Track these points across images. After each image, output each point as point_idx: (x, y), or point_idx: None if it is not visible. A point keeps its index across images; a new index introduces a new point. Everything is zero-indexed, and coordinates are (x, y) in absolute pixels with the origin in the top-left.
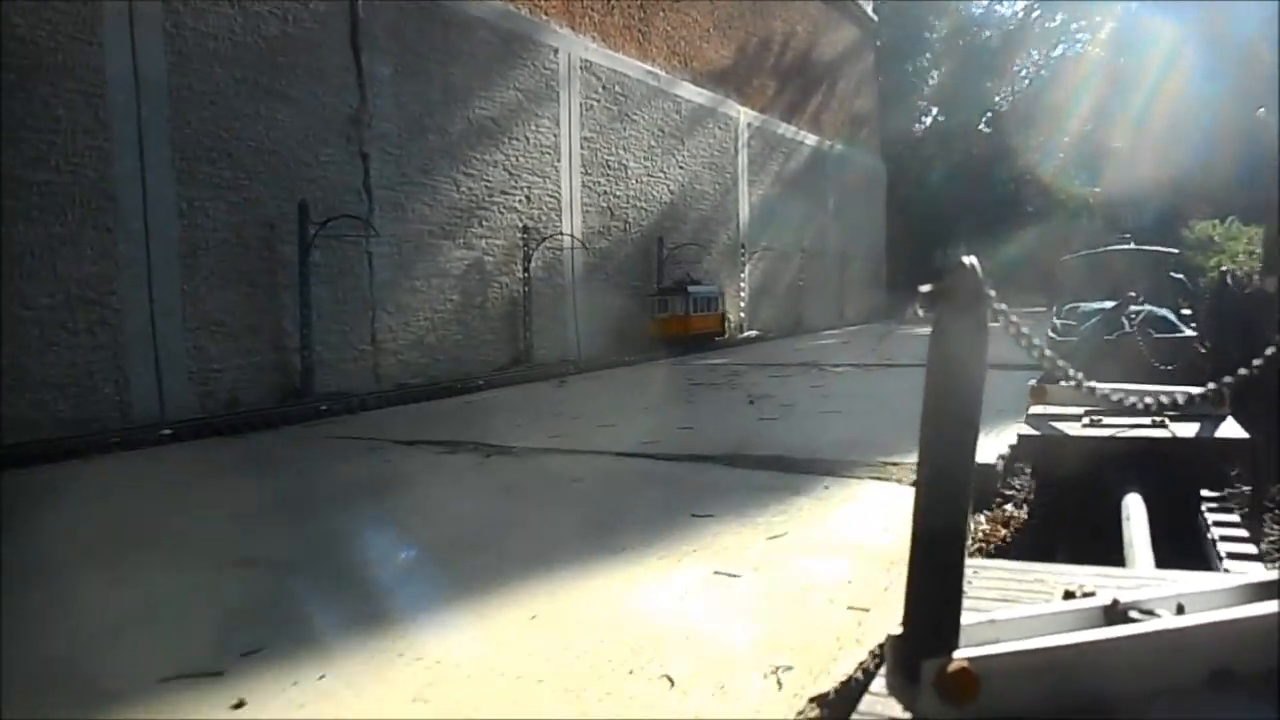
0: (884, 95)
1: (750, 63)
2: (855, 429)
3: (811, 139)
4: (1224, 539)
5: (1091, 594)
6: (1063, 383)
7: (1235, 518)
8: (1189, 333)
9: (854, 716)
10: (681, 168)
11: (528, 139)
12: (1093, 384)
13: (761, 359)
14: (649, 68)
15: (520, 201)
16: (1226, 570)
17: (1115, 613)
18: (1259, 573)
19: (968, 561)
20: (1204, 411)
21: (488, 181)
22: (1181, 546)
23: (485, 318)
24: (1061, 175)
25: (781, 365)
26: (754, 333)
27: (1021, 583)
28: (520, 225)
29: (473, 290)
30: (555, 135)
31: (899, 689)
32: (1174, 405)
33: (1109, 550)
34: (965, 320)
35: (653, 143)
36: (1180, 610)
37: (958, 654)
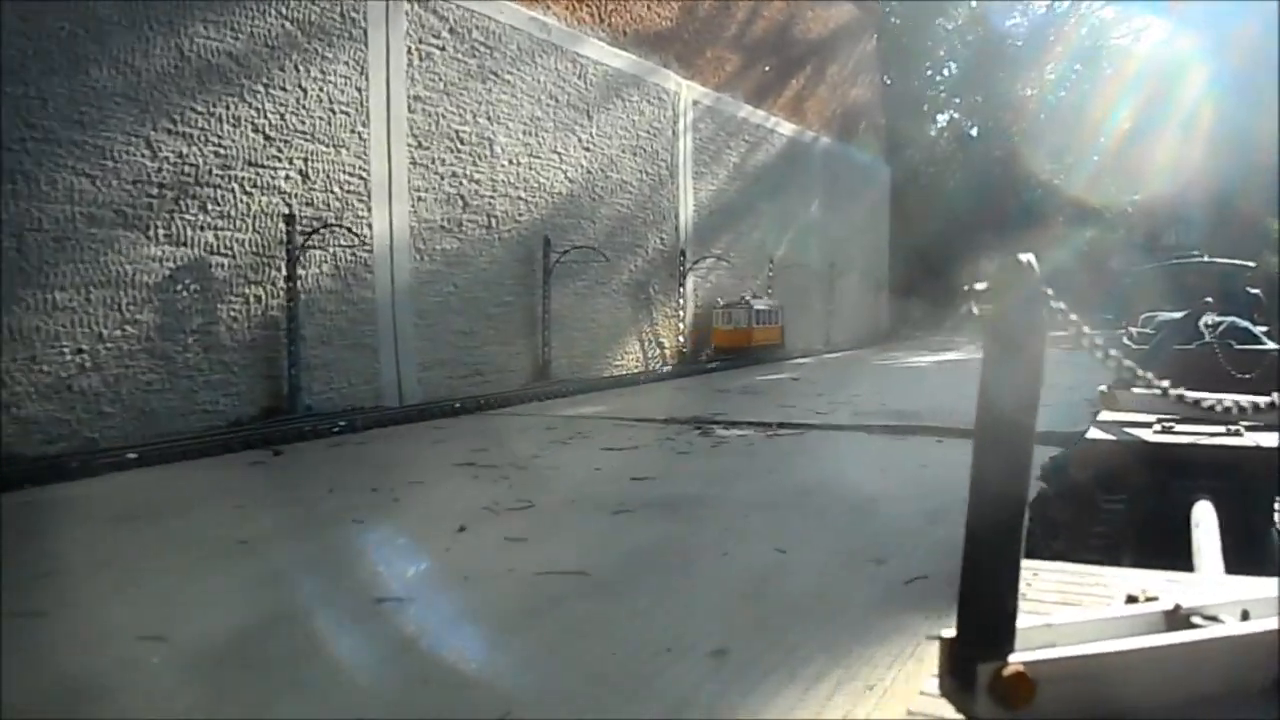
0: (893, 89)
1: (702, 28)
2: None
3: (788, 128)
4: None
5: (1154, 599)
6: (1135, 389)
7: None
8: (1270, 345)
9: (906, 716)
10: (588, 149)
11: (304, 90)
12: (1174, 388)
13: (640, 409)
14: (534, 14)
15: (287, 178)
16: None
17: (1177, 618)
18: None
19: (1028, 563)
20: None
21: (219, 146)
22: (1253, 557)
23: (216, 346)
24: (1096, 183)
25: (646, 424)
26: (694, 362)
27: (1083, 586)
28: (283, 212)
29: (185, 306)
30: (360, 89)
31: (952, 692)
32: (1254, 413)
33: (1177, 559)
34: (1022, 318)
35: (539, 114)
36: (1245, 617)
37: (1013, 657)
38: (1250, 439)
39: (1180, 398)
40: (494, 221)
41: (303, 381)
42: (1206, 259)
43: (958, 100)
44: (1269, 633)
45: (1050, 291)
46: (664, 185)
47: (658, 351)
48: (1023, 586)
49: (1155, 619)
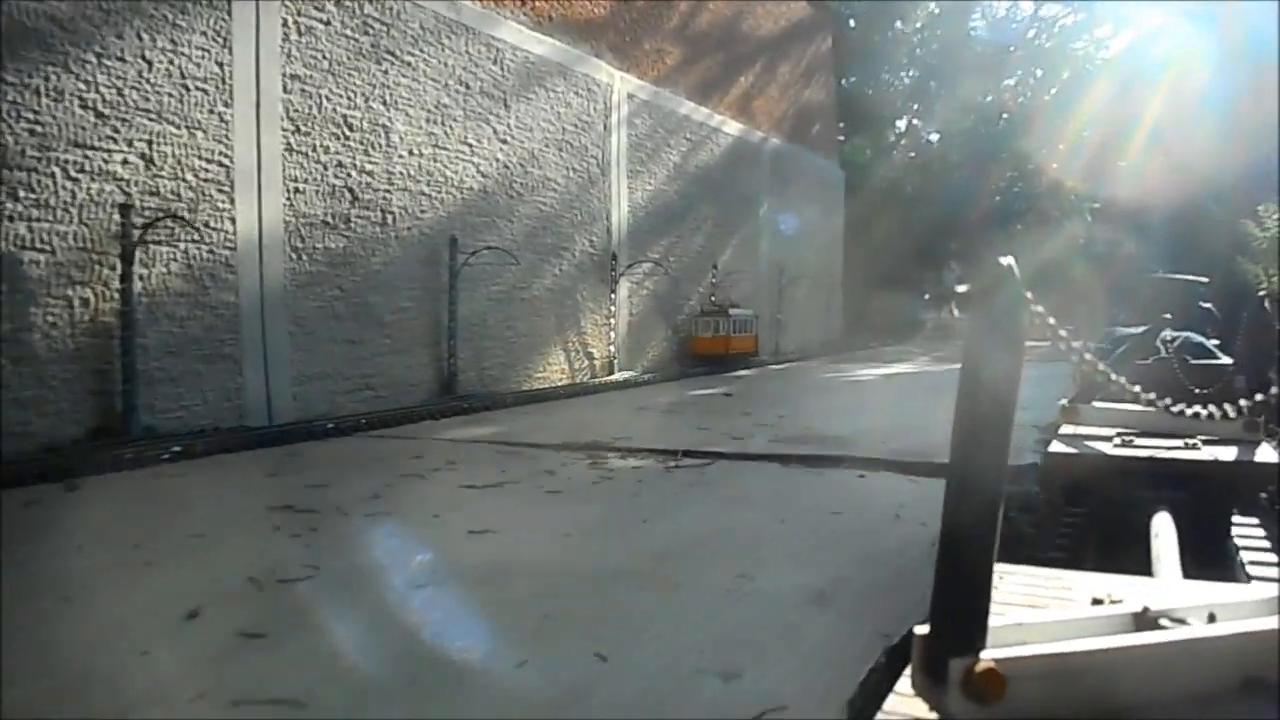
0: (850, 93)
1: (640, 18)
2: None
3: (734, 127)
4: (1254, 562)
5: (1119, 601)
6: (1095, 403)
7: (1265, 541)
8: (1225, 359)
9: (879, 715)
10: (505, 142)
11: (149, 62)
12: (1144, 395)
13: (540, 431)
14: None
15: (125, 163)
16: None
17: (1145, 620)
18: None
19: (995, 565)
20: (1239, 435)
21: (35, 124)
22: (1210, 568)
23: (28, 358)
24: (1056, 191)
25: (534, 450)
26: (628, 374)
27: (1048, 588)
28: (119, 202)
29: None
30: (222, 64)
31: (924, 688)
32: (1212, 426)
33: (1135, 567)
34: (1001, 320)
35: (446, 100)
36: (1212, 619)
37: (985, 654)
38: (1207, 452)
39: (1151, 402)
40: (390, 218)
41: (141, 398)
42: (1161, 274)
43: (916, 105)
44: (1237, 634)
45: (1030, 295)
46: (594, 184)
47: (586, 363)
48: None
49: (1124, 620)
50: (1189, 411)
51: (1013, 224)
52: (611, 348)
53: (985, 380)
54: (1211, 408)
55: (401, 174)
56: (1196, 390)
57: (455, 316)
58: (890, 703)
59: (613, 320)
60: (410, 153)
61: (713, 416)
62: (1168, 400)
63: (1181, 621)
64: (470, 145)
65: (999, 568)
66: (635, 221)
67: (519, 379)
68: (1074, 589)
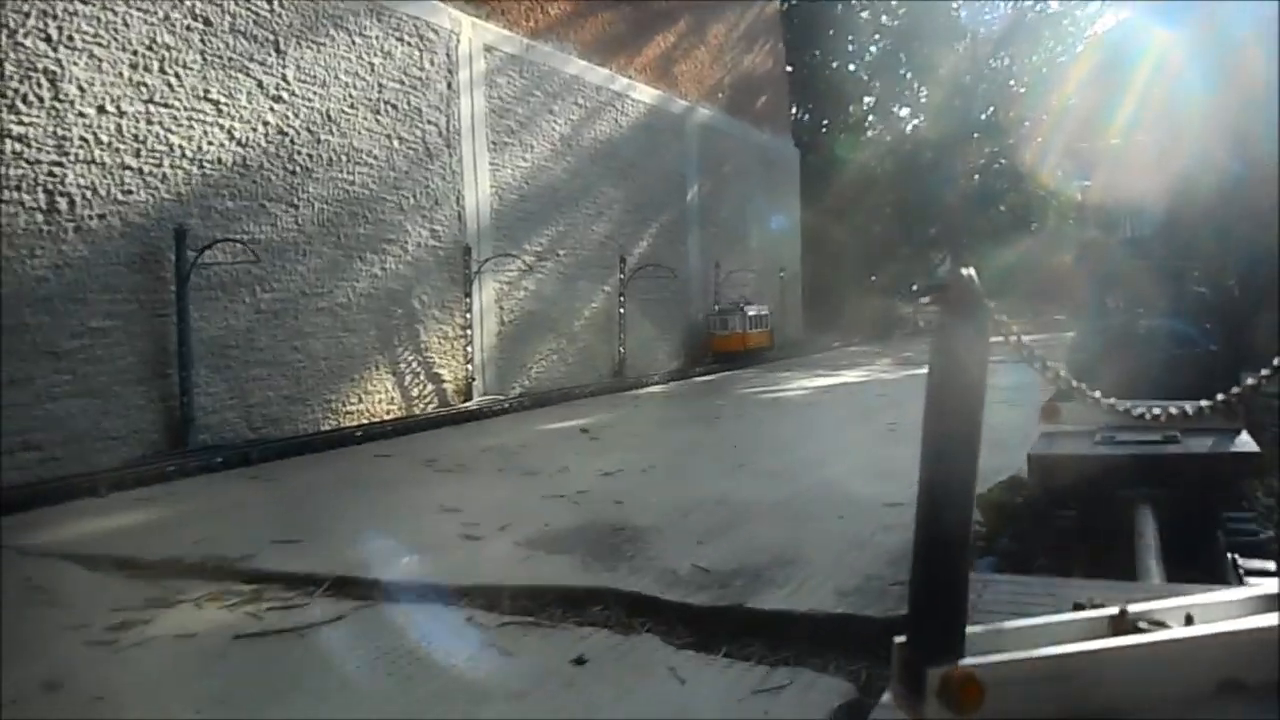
0: (810, 64)
1: None
2: None
3: (648, 93)
4: (1240, 554)
5: (1100, 605)
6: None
7: (1251, 532)
8: (1211, 347)
9: None
10: (279, 100)
11: None
12: (1104, 398)
13: (218, 523)
14: None
15: None
16: (1241, 584)
17: (1123, 623)
18: (1268, 585)
19: (978, 575)
20: (1218, 425)
21: None
22: (1197, 561)
23: None
24: (1041, 169)
25: (135, 578)
26: (495, 398)
27: (1032, 596)
28: None
29: None
30: None
31: (904, 697)
32: (1186, 419)
33: (1123, 566)
34: (965, 331)
35: (167, 39)
36: (1189, 621)
37: (963, 662)
38: (1187, 445)
39: (1111, 406)
40: (65, 203)
41: None
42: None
43: (885, 78)
44: (1212, 636)
45: (993, 305)
46: (434, 157)
47: (430, 389)
48: (972, 597)
49: (1102, 624)
50: (1162, 407)
51: (994, 205)
52: (470, 367)
53: (952, 391)
54: (1177, 405)
55: (83, 140)
56: (1180, 380)
57: (189, 338)
58: (875, 712)
59: (470, 331)
60: (101, 110)
61: (505, 480)
62: (1130, 403)
63: (1160, 624)
64: (216, 103)
65: (983, 577)
66: (504, 206)
67: (315, 416)
68: (1057, 595)
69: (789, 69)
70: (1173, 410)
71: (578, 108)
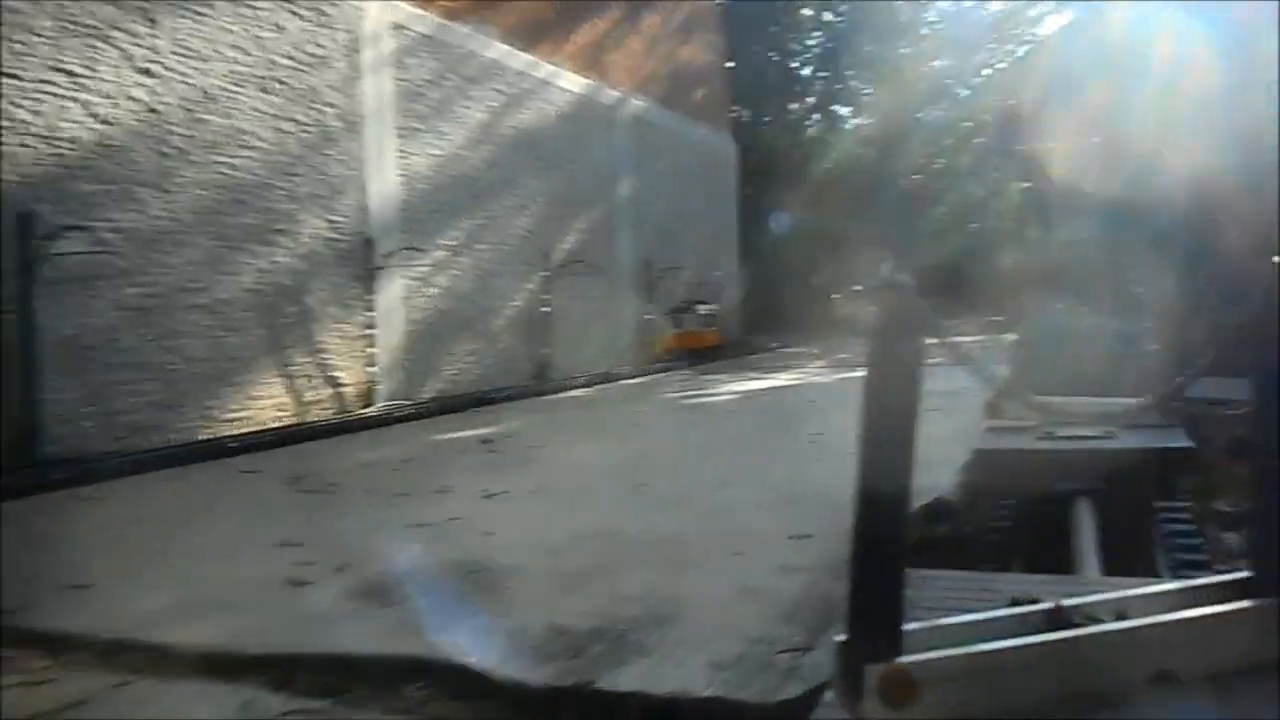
0: (749, 58)
1: None
2: None
3: (576, 81)
4: (1173, 548)
5: (1036, 600)
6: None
7: (1185, 527)
8: (1152, 347)
9: None
10: (149, 73)
11: None
12: (1037, 399)
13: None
14: None
15: None
16: (1175, 577)
17: (1058, 618)
18: (1199, 578)
19: (915, 571)
20: (1155, 423)
21: None
22: (1133, 555)
23: None
24: (983, 168)
25: None
26: (388, 405)
27: (971, 591)
28: None
29: None
30: None
31: (843, 694)
32: (1123, 416)
33: (1062, 560)
34: (901, 333)
35: (20, 7)
36: (1122, 615)
37: (900, 659)
38: (1123, 441)
39: (1042, 406)
40: None
41: None
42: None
43: (825, 78)
44: (1145, 629)
45: (930, 306)
46: (333, 142)
47: (328, 393)
48: (911, 593)
49: (1038, 619)
50: (1098, 404)
51: (935, 205)
52: (373, 369)
53: (889, 391)
54: (1114, 401)
55: None
56: (1118, 380)
57: (35, 337)
58: (818, 713)
59: (373, 331)
60: None
61: (372, 503)
62: (1064, 400)
63: (1094, 618)
64: (72, 74)
65: (923, 573)
66: (414, 197)
67: (190, 424)
68: (994, 590)
69: (730, 64)
70: (1106, 408)
71: (498, 94)
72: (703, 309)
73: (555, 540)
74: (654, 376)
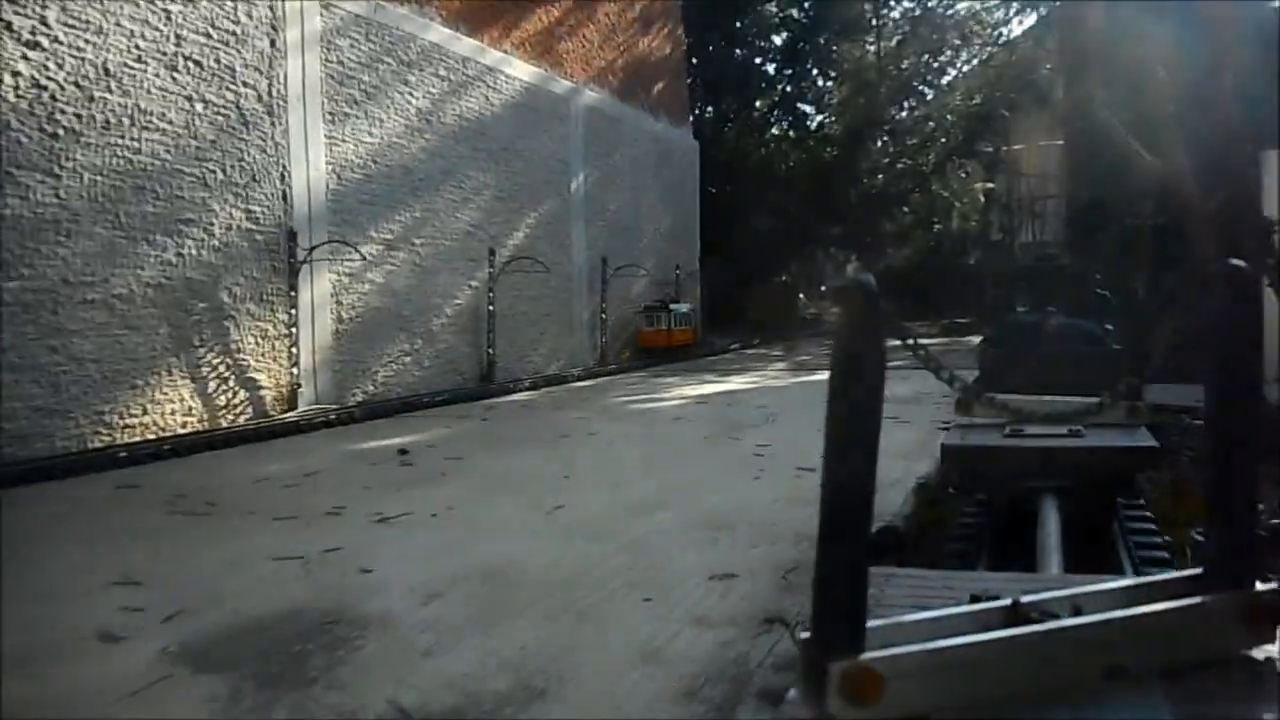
0: (714, 55)
1: None
2: None
3: (525, 70)
4: (1136, 545)
5: (995, 597)
6: (988, 395)
7: (1148, 524)
8: (1114, 347)
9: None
10: (34, 46)
11: None
12: (1001, 397)
13: None
14: None
15: None
16: (1135, 572)
17: (1017, 614)
18: (1153, 574)
19: (880, 569)
20: (1120, 422)
21: None
22: (1097, 552)
23: None
24: (947, 170)
25: None
26: (311, 409)
27: (931, 589)
28: None
29: None
30: None
31: (808, 691)
32: (1087, 415)
33: (1028, 556)
34: (864, 333)
35: None
36: (1078, 611)
37: (863, 656)
38: (1089, 439)
39: (1004, 405)
40: None
41: None
42: (1056, 261)
43: (789, 75)
44: (1099, 624)
45: (892, 309)
46: (252, 126)
47: (243, 396)
48: (875, 592)
49: (996, 615)
50: (1062, 403)
51: (898, 205)
52: (295, 371)
53: (852, 390)
54: (1079, 400)
55: None
56: (1084, 378)
57: None
58: (782, 710)
59: (293, 330)
60: None
61: (246, 529)
62: (1028, 399)
63: (1051, 614)
64: None
65: (885, 570)
66: (344, 187)
67: (80, 431)
68: (956, 587)
69: (693, 60)
70: (1071, 407)
71: (440, 80)
72: (676, 308)
73: (439, 580)
74: (607, 378)
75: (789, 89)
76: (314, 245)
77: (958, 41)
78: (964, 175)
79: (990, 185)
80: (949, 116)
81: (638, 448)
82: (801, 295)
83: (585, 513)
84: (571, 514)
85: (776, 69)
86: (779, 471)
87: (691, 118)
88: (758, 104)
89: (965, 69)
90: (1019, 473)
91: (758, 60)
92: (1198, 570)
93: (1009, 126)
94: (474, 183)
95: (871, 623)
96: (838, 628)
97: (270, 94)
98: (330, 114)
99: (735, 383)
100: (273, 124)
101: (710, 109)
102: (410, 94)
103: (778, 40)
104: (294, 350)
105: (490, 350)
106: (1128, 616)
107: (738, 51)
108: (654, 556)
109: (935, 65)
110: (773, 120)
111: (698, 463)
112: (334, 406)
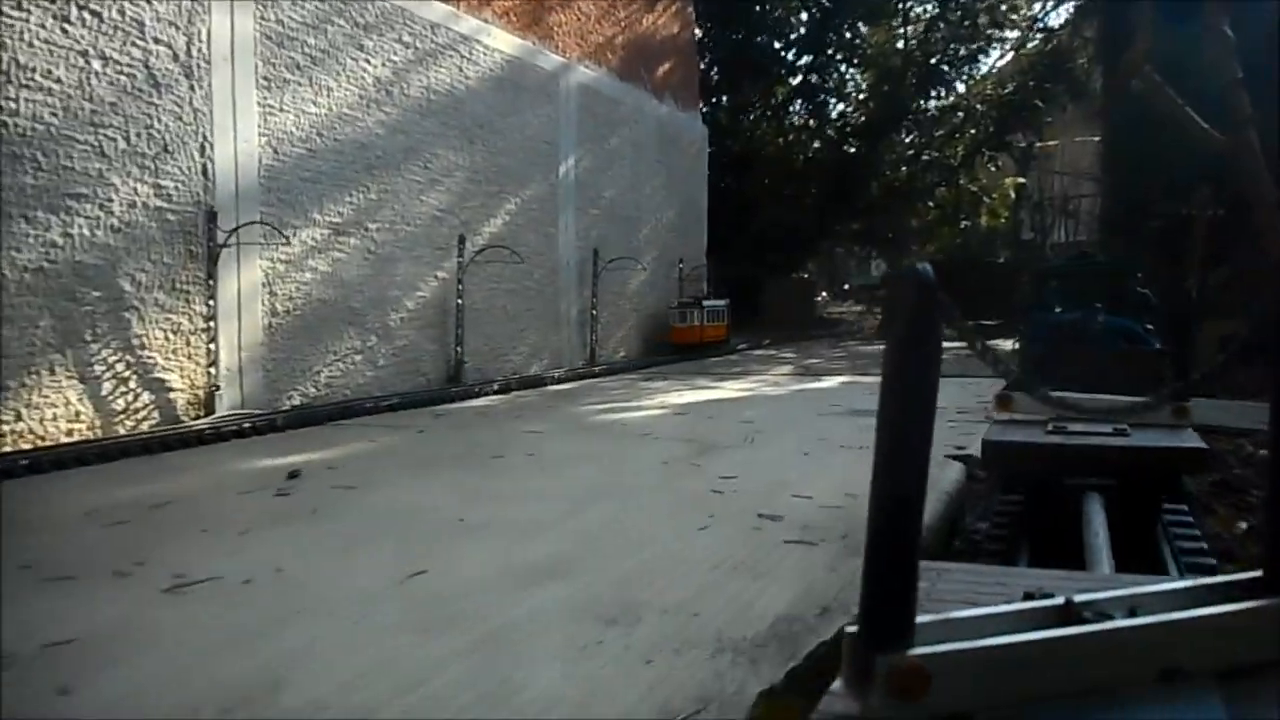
0: (732, 39)
1: None
2: None
3: (509, 41)
4: (1181, 547)
5: (1049, 595)
6: (1020, 394)
7: (1191, 529)
8: (1156, 346)
9: (814, 714)
10: None
11: None
12: (1056, 394)
13: None
14: None
15: None
16: (1180, 574)
17: (1070, 613)
18: (1209, 577)
19: (931, 564)
20: (1165, 422)
21: None
22: (1142, 551)
23: None
24: (975, 164)
25: None
26: (233, 414)
27: (983, 585)
28: None
29: None
30: None
31: (853, 684)
32: (1132, 414)
33: (1072, 554)
34: (918, 326)
35: None
36: (1133, 612)
37: (911, 651)
38: (1136, 438)
39: (1060, 401)
40: None
41: None
42: (1094, 260)
43: (810, 58)
44: (1155, 626)
45: (949, 302)
46: (164, 89)
47: (148, 400)
48: (927, 586)
49: (1049, 614)
50: (1113, 402)
51: (923, 200)
52: (213, 371)
53: (905, 384)
54: (1124, 399)
55: None
56: (1127, 378)
57: None
58: (824, 702)
59: (211, 324)
60: None
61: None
62: (1071, 395)
63: (1105, 615)
64: None
65: (936, 565)
66: (282, 162)
67: None
68: (1009, 585)
69: (709, 45)
70: (1122, 404)
71: (403, 47)
72: (709, 304)
73: (178, 705)
74: (592, 380)
75: (810, 77)
76: (236, 227)
77: (990, 30)
78: (994, 169)
79: (1022, 181)
80: (979, 106)
81: (574, 476)
82: (824, 294)
83: (451, 581)
84: (431, 583)
85: (797, 54)
86: (734, 519)
87: (707, 106)
88: (777, 92)
89: (996, 56)
90: (1062, 470)
91: (778, 46)
92: (1256, 573)
93: (1043, 118)
94: (443, 163)
95: (921, 618)
96: (886, 622)
97: (190, 53)
98: (266, 79)
99: (728, 389)
100: (192, 87)
101: (726, 97)
102: (367, 61)
103: (800, 26)
104: (213, 347)
105: (458, 349)
106: (1185, 618)
107: (758, 38)
108: (503, 669)
109: (965, 53)
110: (792, 109)
111: (638, 501)
112: (259, 412)
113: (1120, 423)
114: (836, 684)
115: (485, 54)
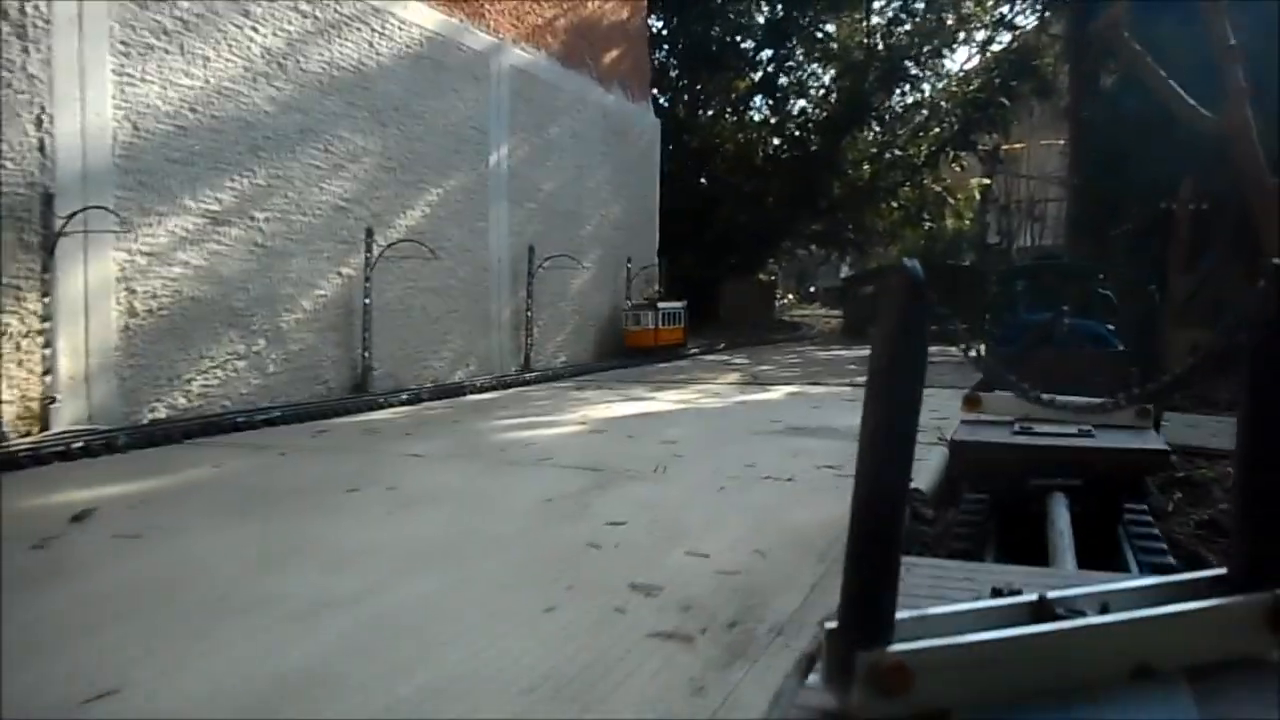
0: (692, 32)
1: None
2: None
3: (430, 16)
4: (1141, 547)
5: (1018, 592)
6: (996, 392)
7: (1150, 528)
8: (1120, 347)
9: (792, 709)
10: None
11: None
12: (1034, 393)
13: None
14: None
15: None
16: (1140, 572)
17: (1043, 610)
18: (1176, 575)
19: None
20: (1129, 423)
21: None
22: (1103, 551)
23: None
24: (939, 163)
25: None
26: (71, 429)
27: (952, 580)
28: None
29: None
30: None
31: (833, 681)
32: (1099, 414)
33: (1034, 552)
34: (904, 322)
35: None
36: (1105, 608)
37: (891, 648)
38: (1101, 440)
39: (1038, 399)
40: None
41: None
42: (1059, 261)
43: (772, 52)
44: (1127, 623)
45: (934, 297)
46: None
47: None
48: None
49: (1022, 611)
50: (1082, 402)
51: (886, 200)
52: (50, 378)
53: (890, 381)
54: (1091, 400)
55: None
56: (1091, 379)
57: None
58: (802, 697)
59: (50, 326)
60: None
61: None
62: (1047, 395)
63: (1077, 611)
64: None
65: (905, 560)
66: (144, 140)
67: None
68: (977, 580)
69: (664, 35)
70: (1088, 405)
71: (300, 16)
72: (665, 306)
73: None
74: (519, 389)
75: (771, 70)
76: (73, 213)
77: (955, 28)
78: (959, 169)
79: (987, 181)
80: (944, 104)
81: (423, 522)
82: (789, 296)
83: (145, 710)
84: (114, 711)
85: (758, 48)
86: (596, 593)
87: (664, 99)
88: (737, 86)
89: (965, 59)
90: (1028, 470)
91: (738, 38)
92: (1221, 571)
93: (1009, 117)
94: (348, 146)
95: (897, 614)
96: (867, 619)
97: (23, 11)
98: (124, 44)
99: (663, 400)
100: (25, 51)
101: (684, 91)
102: (254, 29)
103: (760, 17)
104: (49, 352)
105: (365, 354)
106: (1157, 616)
107: (715, 28)
108: None
109: (929, 49)
110: (753, 105)
111: (483, 564)
112: (100, 429)
113: (1085, 424)
114: (812, 678)
115: (401, 28)
